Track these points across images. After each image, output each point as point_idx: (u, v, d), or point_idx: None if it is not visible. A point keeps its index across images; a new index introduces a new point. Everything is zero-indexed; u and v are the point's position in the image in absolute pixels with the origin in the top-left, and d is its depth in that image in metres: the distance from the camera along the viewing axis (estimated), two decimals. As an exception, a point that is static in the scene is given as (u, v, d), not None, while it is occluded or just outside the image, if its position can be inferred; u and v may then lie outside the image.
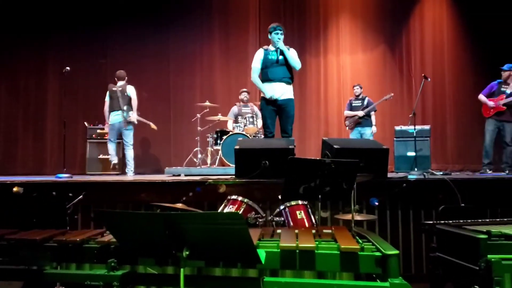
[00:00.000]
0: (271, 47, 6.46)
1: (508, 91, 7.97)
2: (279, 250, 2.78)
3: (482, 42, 10.52)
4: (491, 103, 8.06)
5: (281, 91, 6.28)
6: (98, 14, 10.79)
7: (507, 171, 7.82)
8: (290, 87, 6.41)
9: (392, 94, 9.25)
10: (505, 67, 8.19)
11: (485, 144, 8.18)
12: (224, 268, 2.81)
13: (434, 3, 11.12)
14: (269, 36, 6.46)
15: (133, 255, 2.90)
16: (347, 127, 9.49)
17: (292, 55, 6.39)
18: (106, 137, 9.59)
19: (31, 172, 9.37)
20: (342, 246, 2.73)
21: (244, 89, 9.42)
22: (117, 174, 9.25)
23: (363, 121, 9.23)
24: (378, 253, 2.69)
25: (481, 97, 8.28)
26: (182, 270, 2.30)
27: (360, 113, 9.28)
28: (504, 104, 7.94)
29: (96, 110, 10.63)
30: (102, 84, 10.84)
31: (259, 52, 6.53)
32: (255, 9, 11.34)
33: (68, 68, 7.87)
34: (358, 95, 9.40)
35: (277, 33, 6.36)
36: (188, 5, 11.23)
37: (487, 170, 8.06)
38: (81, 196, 5.06)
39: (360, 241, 2.89)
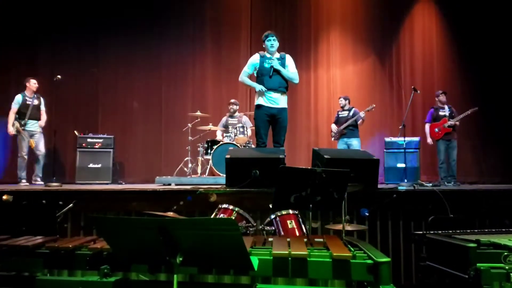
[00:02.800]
0: (267, 54, 6.46)
1: (447, 113, 8.91)
2: (271, 257, 2.79)
3: (471, 54, 10.64)
4: (436, 129, 9.02)
5: (276, 99, 6.33)
6: (90, 23, 10.79)
7: (452, 183, 8.57)
8: (285, 96, 6.44)
9: (374, 105, 9.26)
10: (437, 93, 9.33)
11: (440, 163, 9.03)
12: (216, 275, 2.81)
13: (423, 16, 11.23)
14: (263, 45, 6.50)
15: (126, 262, 2.89)
16: (333, 138, 9.49)
17: (289, 71, 6.44)
18: (96, 146, 9.58)
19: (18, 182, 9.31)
20: (335, 254, 2.74)
21: (232, 100, 9.43)
22: (107, 183, 9.23)
23: (349, 132, 9.18)
24: (369, 261, 2.71)
25: (427, 127, 9.22)
26: (175, 276, 2.30)
27: (334, 127, 9.41)
28: (449, 126, 8.78)
29: (87, 119, 10.66)
30: (93, 93, 10.88)
31: (254, 57, 6.54)
32: (246, 22, 11.39)
33: (59, 76, 7.88)
34: (343, 106, 9.42)
35: (269, 40, 6.40)
36: (181, 16, 11.26)
37: (448, 183, 8.63)
38: (71, 204, 5.05)
39: (352, 249, 2.91)
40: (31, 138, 8.56)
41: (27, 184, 8.22)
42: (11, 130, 8.48)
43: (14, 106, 8.56)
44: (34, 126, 8.68)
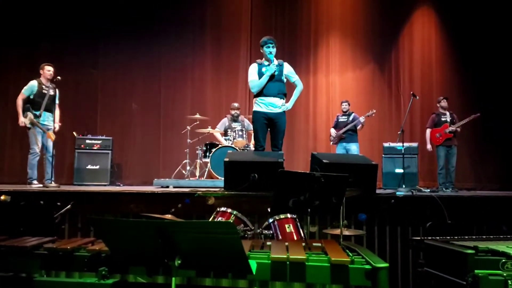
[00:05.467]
0: (265, 61, 6.39)
1: (448, 119, 8.94)
2: (270, 261, 2.80)
3: (470, 61, 10.69)
4: (438, 134, 9.01)
5: (275, 104, 6.28)
6: (90, 24, 10.79)
7: (450, 189, 8.63)
8: (284, 101, 6.39)
9: (375, 110, 9.27)
10: (439, 98, 9.38)
11: (439, 169, 9.03)
12: (214, 278, 2.81)
13: (423, 23, 11.27)
14: (261, 50, 6.41)
15: (124, 264, 2.89)
16: (332, 142, 9.51)
17: (297, 90, 6.54)
18: (94, 148, 9.57)
19: (19, 181, 9.28)
20: (333, 259, 2.75)
21: (235, 104, 9.38)
22: (105, 185, 9.23)
23: (348, 137, 9.20)
24: (368, 266, 2.72)
25: (428, 132, 9.20)
26: (173, 279, 2.30)
27: (333, 132, 9.45)
28: (450, 132, 8.80)
29: (86, 120, 10.66)
30: (92, 94, 10.89)
31: (253, 66, 6.42)
32: (246, 25, 11.42)
33: (59, 77, 7.82)
34: (346, 111, 9.44)
35: (268, 46, 6.29)
36: (181, 19, 11.27)
37: (446, 189, 8.67)
38: (69, 205, 5.04)
39: (350, 254, 2.91)
40: (44, 133, 7.56)
41: (40, 186, 7.30)
42: (22, 120, 7.43)
43: (25, 93, 7.54)
44: (49, 120, 7.75)
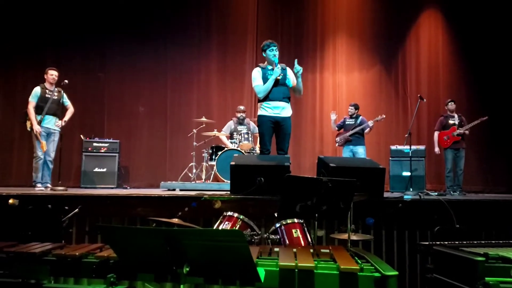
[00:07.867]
0: (268, 66, 6.34)
1: (456, 122, 8.96)
2: (278, 268, 2.78)
3: (477, 63, 10.66)
4: (445, 137, 9.06)
5: (280, 108, 6.25)
6: (97, 28, 10.81)
7: (458, 192, 8.67)
8: (289, 105, 6.35)
9: (384, 115, 9.21)
10: (447, 101, 9.42)
11: (447, 172, 9.06)
12: (222, 285, 2.80)
13: (429, 25, 11.24)
14: (264, 54, 6.34)
15: (133, 271, 2.89)
16: (337, 144, 9.46)
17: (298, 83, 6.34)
18: (102, 151, 9.59)
19: (26, 184, 9.31)
20: (342, 267, 2.73)
21: (241, 107, 9.41)
22: (112, 187, 9.24)
23: (354, 140, 9.14)
24: (377, 274, 2.69)
25: (436, 135, 9.23)
26: (182, 286, 2.29)
27: (333, 117, 9.52)
28: (458, 134, 8.82)
29: (93, 123, 10.68)
30: (99, 97, 10.90)
31: (256, 71, 6.36)
32: (252, 28, 11.42)
33: (66, 81, 7.84)
34: (352, 115, 9.40)
35: (272, 50, 6.25)
36: (187, 23, 11.29)
37: (454, 192, 8.74)
38: (77, 209, 5.05)
39: (359, 261, 2.89)
40: (47, 136, 7.70)
41: (42, 189, 7.45)
42: (36, 128, 7.55)
43: (32, 100, 7.64)
44: (52, 123, 7.78)
